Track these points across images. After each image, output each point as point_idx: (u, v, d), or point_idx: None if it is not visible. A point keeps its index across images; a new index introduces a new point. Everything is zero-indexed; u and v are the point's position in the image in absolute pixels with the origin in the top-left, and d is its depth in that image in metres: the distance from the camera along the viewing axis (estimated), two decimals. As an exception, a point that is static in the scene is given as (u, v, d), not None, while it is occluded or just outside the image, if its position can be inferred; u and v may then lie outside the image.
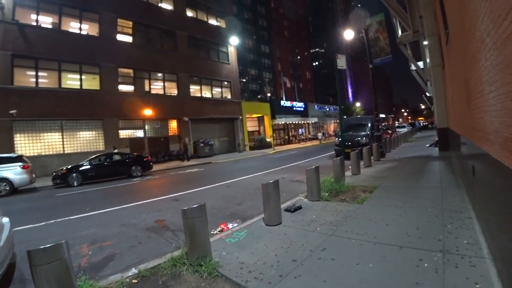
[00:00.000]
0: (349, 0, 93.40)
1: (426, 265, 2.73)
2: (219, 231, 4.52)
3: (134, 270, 3.19)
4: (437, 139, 13.63)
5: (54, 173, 11.77)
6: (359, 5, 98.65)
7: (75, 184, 11.48)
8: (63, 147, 15.99)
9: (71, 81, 16.82)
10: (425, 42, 15.00)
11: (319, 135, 36.56)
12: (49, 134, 15.63)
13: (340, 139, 12.50)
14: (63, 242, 2.25)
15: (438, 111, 12.43)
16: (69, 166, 11.96)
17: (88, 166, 12.18)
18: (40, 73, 15.62)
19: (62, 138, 16.00)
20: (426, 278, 2.50)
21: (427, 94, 32.02)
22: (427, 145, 15.76)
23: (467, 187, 5.11)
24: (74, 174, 11.62)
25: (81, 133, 16.83)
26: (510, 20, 1.55)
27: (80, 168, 11.92)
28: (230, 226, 4.76)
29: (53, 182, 11.55)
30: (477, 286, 2.30)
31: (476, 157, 3.67)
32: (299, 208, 5.18)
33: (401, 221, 4.10)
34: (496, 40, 1.93)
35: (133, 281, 2.97)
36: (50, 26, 16.10)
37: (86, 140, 16.97)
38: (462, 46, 4.06)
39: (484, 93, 2.66)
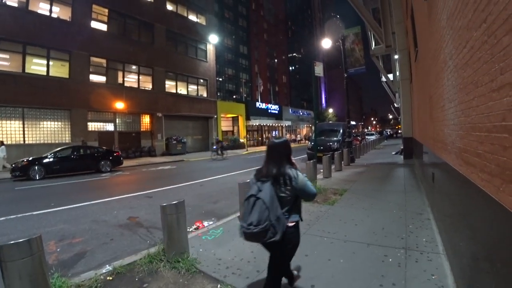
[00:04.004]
0: (327, 9, 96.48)
1: (390, 260, 3.04)
2: (194, 229, 4.55)
3: (108, 267, 3.11)
4: (402, 147, 14.58)
5: (13, 165, 10.93)
6: (337, 16, 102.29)
7: (37, 177, 10.74)
8: (24, 137, 14.85)
9: (37, 66, 15.64)
10: (396, 56, 15.94)
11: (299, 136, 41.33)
12: (8, 122, 14.42)
13: (313, 143, 12.93)
14: (37, 236, 2.14)
15: (404, 121, 13.33)
16: (31, 158, 11.17)
17: (52, 159, 11.45)
18: (0, 55, 14.40)
19: (23, 127, 14.86)
20: (390, 271, 2.79)
21: (395, 105, 34.10)
22: (393, 153, 16.75)
23: (427, 191, 5.61)
24: (37, 167, 10.87)
25: (45, 123, 15.71)
26: (468, 49, 1.81)
27: (44, 161, 11.17)
28: (205, 224, 4.80)
29: (11, 175, 10.71)
30: (433, 277, 2.63)
31: (435, 165, 4.06)
32: (274, 207, 5.34)
33: (369, 221, 4.42)
34: (457, 64, 2.21)
35: (108, 278, 2.90)
36: (16, 5, 14.91)
37: (50, 131, 15.88)
38: (428, 65, 4.48)
39: (445, 108, 2.99)
